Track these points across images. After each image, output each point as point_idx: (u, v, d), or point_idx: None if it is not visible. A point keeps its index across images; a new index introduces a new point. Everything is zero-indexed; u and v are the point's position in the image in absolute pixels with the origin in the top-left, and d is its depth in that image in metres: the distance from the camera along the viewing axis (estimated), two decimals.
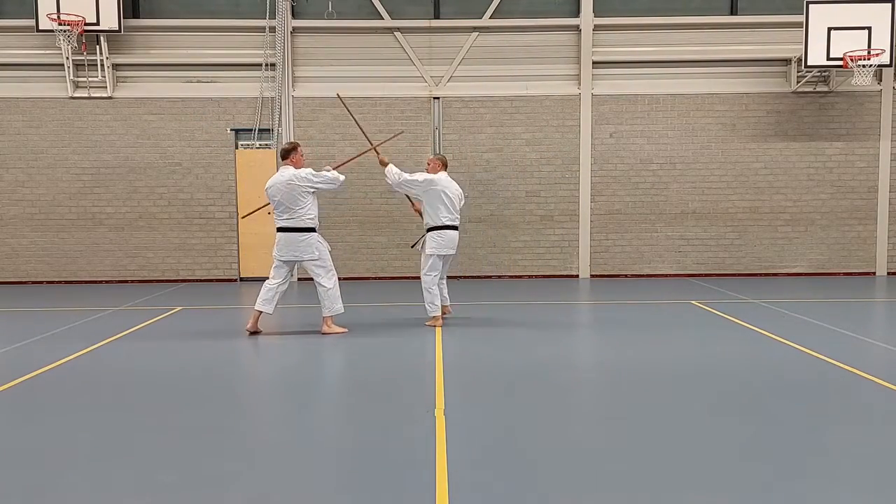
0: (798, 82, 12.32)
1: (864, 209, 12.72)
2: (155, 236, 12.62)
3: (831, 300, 10.12)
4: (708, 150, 12.68)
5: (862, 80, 11.45)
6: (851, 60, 11.44)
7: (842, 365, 6.06)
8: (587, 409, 5.17)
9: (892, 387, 5.40)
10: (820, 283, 11.92)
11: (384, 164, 8.26)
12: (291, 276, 7.95)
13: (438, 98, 12.56)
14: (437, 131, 12.58)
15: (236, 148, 12.59)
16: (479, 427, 4.56)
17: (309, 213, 7.50)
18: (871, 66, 11.45)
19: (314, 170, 7.61)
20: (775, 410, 4.87)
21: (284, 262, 7.65)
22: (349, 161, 9.03)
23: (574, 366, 6.56)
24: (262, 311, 7.64)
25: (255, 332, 7.71)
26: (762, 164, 12.68)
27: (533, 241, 12.74)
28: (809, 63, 11.66)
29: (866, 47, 11.46)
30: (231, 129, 12.56)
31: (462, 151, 12.61)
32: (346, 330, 7.74)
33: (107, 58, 12.22)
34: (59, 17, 11.62)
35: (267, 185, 7.57)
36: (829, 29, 11.52)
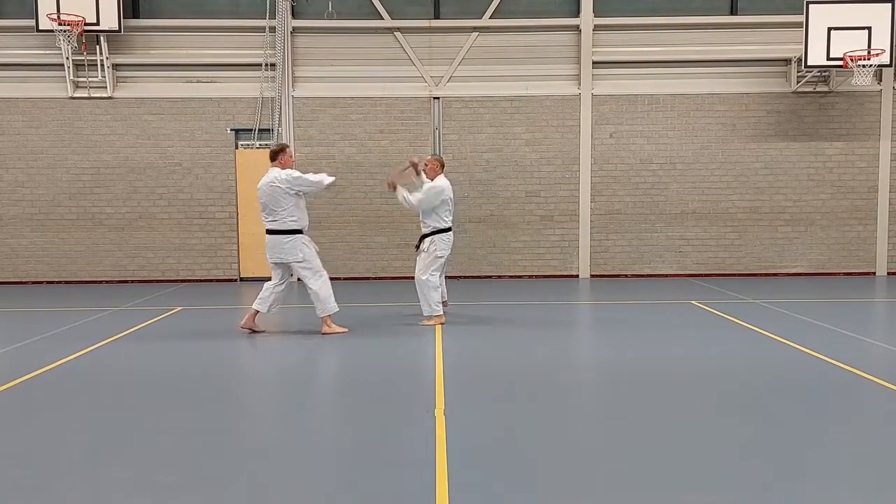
0: (798, 82, 12.32)
1: (864, 209, 12.72)
2: (155, 236, 12.62)
3: (831, 300, 10.12)
4: (708, 150, 12.68)
5: (862, 80, 11.44)
6: (851, 60, 11.44)
7: (842, 365, 6.06)
8: (587, 409, 5.17)
9: (892, 387, 5.40)
10: (820, 283, 11.92)
11: (391, 188, 8.24)
12: (291, 276, 7.93)
13: (438, 98, 12.56)
14: (436, 131, 12.58)
15: (236, 148, 12.59)
16: (479, 427, 4.56)
17: (292, 215, 7.46)
18: (871, 66, 11.45)
19: (312, 172, 7.57)
20: (775, 410, 4.87)
21: (274, 263, 7.65)
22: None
23: (574, 366, 6.56)
24: (257, 311, 7.68)
25: (254, 331, 7.72)
26: (762, 164, 12.68)
27: (533, 241, 12.74)
28: (809, 63, 11.66)
29: (866, 47, 11.46)
30: (231, 129, 12.56)
31: (462, 151, 12.61)
32: (346, 329, 7.74)
33: (107, 58, 12.22)
34: (59, 17, 11.62)
35: (258, 186, 7.59)
36: (829, 29, 11.51)
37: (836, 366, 6.06)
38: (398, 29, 12.49)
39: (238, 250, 12.63)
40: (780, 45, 12.44)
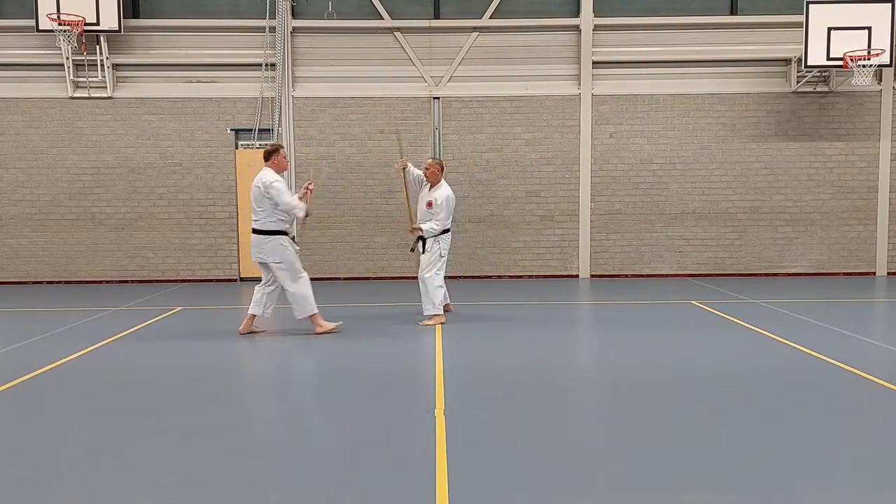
0: (798, 82, 12.32)
1: (864, 209, 12.71)
2: (155, 236, 12.62)
3: (831, 300, 10.12)
4: (708, 150, 12.67)
5: (862, 80, 11.44)
6: (851, 60, 11.44)
7: (842, 365, 6.06)
8: (587, 409, 5.17)
9: (892, 387, 5.40)
10: (820, 283, 11.92)
11: (416, 232, 8.30)
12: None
13: (438, 98, 12.56)
14: (437, 131, 12.58)
15: (236, 148, 12.59)
16: (479, 427, 4.56)
17: (270, 217, 7.45)
18: (871, 66, 11.44)
19: (286, 190, 7.42)
20: (775, 410, 4.87)
21: (259, 263, 7.64)
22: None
23: (574, 366, 6.56)
24: (253, 315, 7.70)
25: (254, 332, 7.71)
26: (762, 164, 12.68)
27: (533, 241, 12.74)
28: (809, 63, 11.65)
29: (866, 47, 11.46)
30: (231, 129, 12.56)
31: (462, 151, 12.61)
32: (335, 327, 7.70)
33: (107, 58, 12.22)
34: (59, 17, 11.62)
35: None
36: (829, 29, 11.51)
37: (836, 366, 6.06)
38: (398, 29, 12.49)
39: (238, 250, 12.63)
40: (780, 45, 12.44)
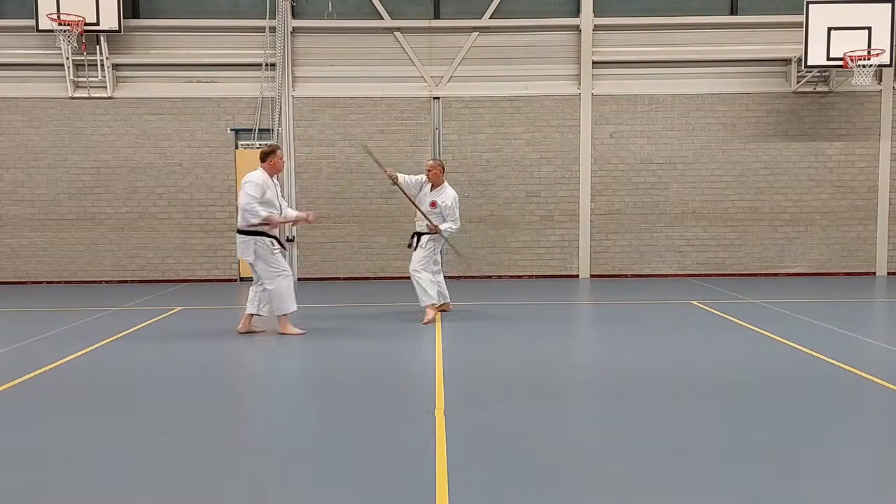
0: (798, 82, 12.32)
1: (864, 209, 12.71)
2: (155, 236, 12.62)
3: (831, 300, 10.12)
4: (708, 150, 12.67)
5: (862, 80, 11.44)
6: (851, 60, 11.44)
7: (842, 365, 6.06)
8: (587, 410, 5.17)
9: (892, 387, 5.39)
10: (820, 283, 11.92)
11: (436, 230, 8.37)
12: None
13: (438, 98, 12.56)
14: (437, 131, 12.58)
15: (236, 148, 12.59)
16: (479, 427, 4.56)
17: (244, 217, 7.39)
18: (871, 66, 11.44)
19: (257, 195, 7.31)
20: (775, 410, 4.87)
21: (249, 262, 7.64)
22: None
23: (574, 366, 6.56)
24: (250, 314, 7.70)
25: (253, 332, 7.70)
26: (762, 164, 12.68)
27: (533, 241, 12.74)
28: (809, 63, 11.66)
29: (866, 47, 11.46)
30: (231, 129, 12.56)
31: (462, 151, 12.61)
32: (303, 331, 7.62)
33: (107, 58, 12.22)
34: (59, 17, 11.62)
35: None
36: (829, 29, 11.51)
37: (837, 366, 6.06)
38: (398, 29, 12.49)
39: None
40: (780, 45, 12.44)
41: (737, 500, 3.46)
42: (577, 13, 12.55)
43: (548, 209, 12.71)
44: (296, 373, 6.38)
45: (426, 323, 8.15)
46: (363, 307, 9.51)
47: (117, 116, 12.48)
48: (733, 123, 12.62)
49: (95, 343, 7.23)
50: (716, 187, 12.70)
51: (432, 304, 8.32)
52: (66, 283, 12.59)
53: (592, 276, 12.75)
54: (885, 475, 3.78)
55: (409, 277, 8.52)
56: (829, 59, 11.57)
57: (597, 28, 12.48)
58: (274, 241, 7.52)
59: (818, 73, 12.16)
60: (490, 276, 12.75)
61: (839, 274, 12.76)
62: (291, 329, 7.63)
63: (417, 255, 8.40)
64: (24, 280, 12.59)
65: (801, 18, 11.65)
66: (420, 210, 8.47)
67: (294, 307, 7.63)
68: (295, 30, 12.51)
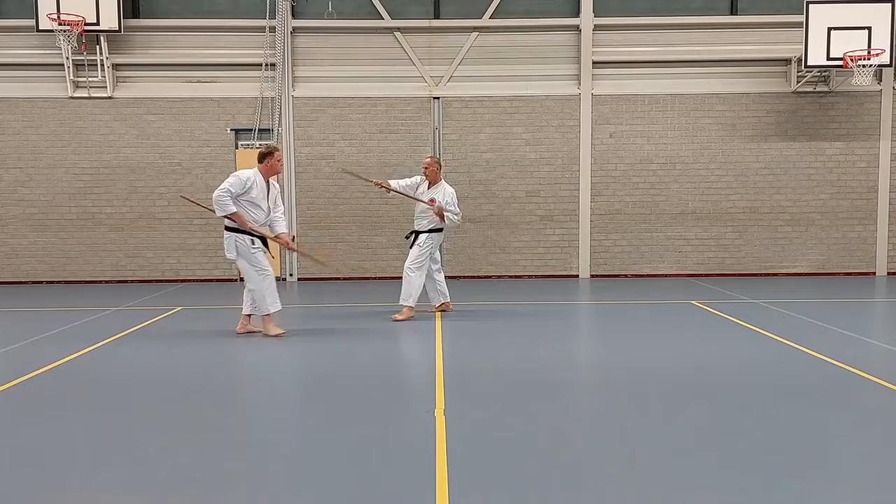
0: (798, 82, 12.32)
1: (864, 209, 12.71)
2: (155, 236, 12.62)
3: (831, 300, 10.12)
4: (708, 150, 12.67)
5: (862, 80, 11.44)
6: (851, 60, 11.44)
7: (842, 365, 6.06)
8: (587, 409, 5.17)
9: (892, 387, 5.39)
10: (820, 283, 11.91)
11: (441, 215, 8.43)
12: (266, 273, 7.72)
13: (438, 98, 12.56)
14: (437, 131, 12.58)
15: (236, 148, 12.59)
16: (479, 427, 4.56)
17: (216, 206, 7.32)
18: (871, 66, 11.44)
19: (233, 189, 7.21)
20: (775, 410, 4.87)
21: None
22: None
23: (574, 366, 6.56)
24: (247, 314, 7.68)
25: (252, 332, 7.69)
26: (762, 164, 12.68)
27: (533, 241, 12.74)
28: (809, 63, 11.66)
29: (866, 47, 11.46)
30: (231, 129, 12.56)
31: (462, 151, 12.61)
32: (283, 332, 7.50)
33: (107, 58, 12.22)
34: (59, 17, 11.62)
35: None
36: (829, 29, 11.51)
37: (836, 366, 6.05)
38: (398, 29, 12.49)
39: None
40: (780, 45, 12.44)
41: (737, 500, 3.46)
42: (577, 13, 12.55)
43: (548, 209, 12.71)
44: (296, 372, 6.38)
45: (395, 319, 8.29)
46: (363, 307, 9.51)
47: (117, 116, 12.48)
48: (733, 123, 12.62)
49: (95, 343, 7.22)
50: (716, 187, 12.70)
51: (410, 308, 8.40)
52: (66, 283, 12.59)
53: (592, 276, 12.75)
54: (885, 475, 3.78)
55: None
56: (829, 59, 11.57)
57: (597, 28, 12.48)
58: (255, 239, 7.37)
59: (818, 73, 12.16)
60: (490, 276, 12.74)
61: (839, 274, 12.76)
62: (273, 329, 7.51)
63: (413, 253, 8.48)
64: (24, 280, 12.59)
65: (801, 18, 11.65)
66: (422, 201, 8.50)
67: (276, 307, 7.51)
68: (295, 30, 12.51)
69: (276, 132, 12.48)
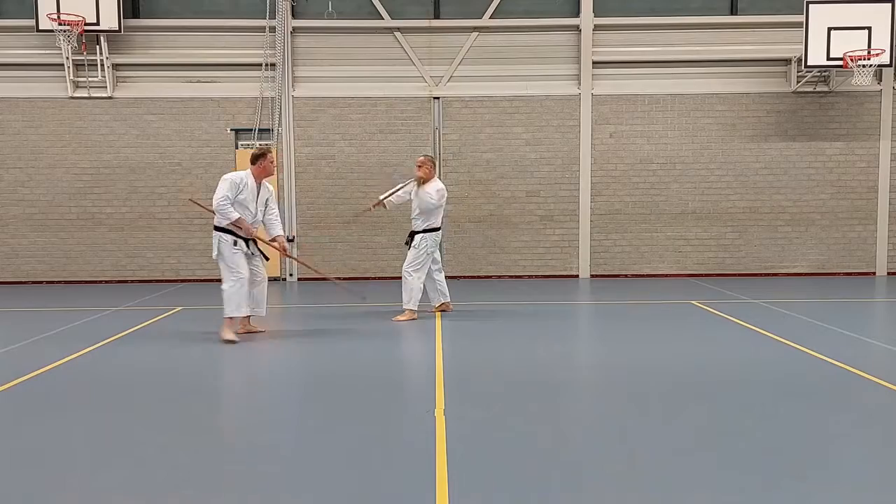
0: (798, 82, 12.32)
1: (864, 209, 12.71)
2: (155, 236, 12.62)
3: (831, 300, 10.12)
4: (708, 150, 12.67)
5: (862, 80, 11.44)
6: (851, 60, 11.44)
7: (842, 365, 6.06)
8: (587, 409, 5.17)
9: (892, 387, 5.40)
10: (820, 283, 11.92)
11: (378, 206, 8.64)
12: (258, 275, 7.60)
13: (438, 98, 12.56)
14: (437, 131, 12.58)
15: (236, 148, 12.59)
16: (480, 427, 4.56)
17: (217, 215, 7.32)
18: (871, 66, 11.44)
19: (230, 194, 7.22)
20: (775, 410, 4.87)
21: None
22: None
23: (574, 366, 6.56)
24: (245, 315, 7.57)
25: (252, 332, 7.68)
26: (762, 164, 12.68)
27: (533, 241, 12.74)
28: (809, 63, 11.65)
29: (866, 47, 11.46)
30: (231, 129, 12.56)
31: (462, 151, 12.61)
32: (236, 340, 7.26)
33: (107, 58, 12.22)
34: (59, 17, 11.62)
35: None
36: (829, 29, 11.51)
37: (836, 365, 6.06)
38: (398, 29, 12.49)
39: None
40: (780, 45, 12.43)
41: (737, 500, 3.47)
42: (577, 13, 12.55)
43: (548, 209, 12.71)
44: (295, 372, 6.38)
45: (396, 320, 8.30)
46: (363, 307, 9.51)
47: (117, 116, 12.47)
48: (733, 123, 12.62)
49: (95, 343, 7.22)
50: (716, 187, 12.70)
51: (412, 311, 8.40)
52: (66, 283, 12.59)
53: (592, 276, 12.75)
54: (885, 475, 3.78)
55: None
56: (829, 59, 11.57)
57: (597, 28, 12.48)
58: (237, 240, 7.27)
59: (818, 73, 12.16)
60: (490, 276, 12.74)
61: (839, 274, 12.76)
62: (228, 334, 7.26)
63: (411, 255, 8.49)
64: (24, 280, 12.59)
65: (801, 18, 11.65)
66: (397, 192, 8.66)
67: (240, 312, 7.32)
68: (295, 30, 12.51)
69: (276, 132, 12.48)
